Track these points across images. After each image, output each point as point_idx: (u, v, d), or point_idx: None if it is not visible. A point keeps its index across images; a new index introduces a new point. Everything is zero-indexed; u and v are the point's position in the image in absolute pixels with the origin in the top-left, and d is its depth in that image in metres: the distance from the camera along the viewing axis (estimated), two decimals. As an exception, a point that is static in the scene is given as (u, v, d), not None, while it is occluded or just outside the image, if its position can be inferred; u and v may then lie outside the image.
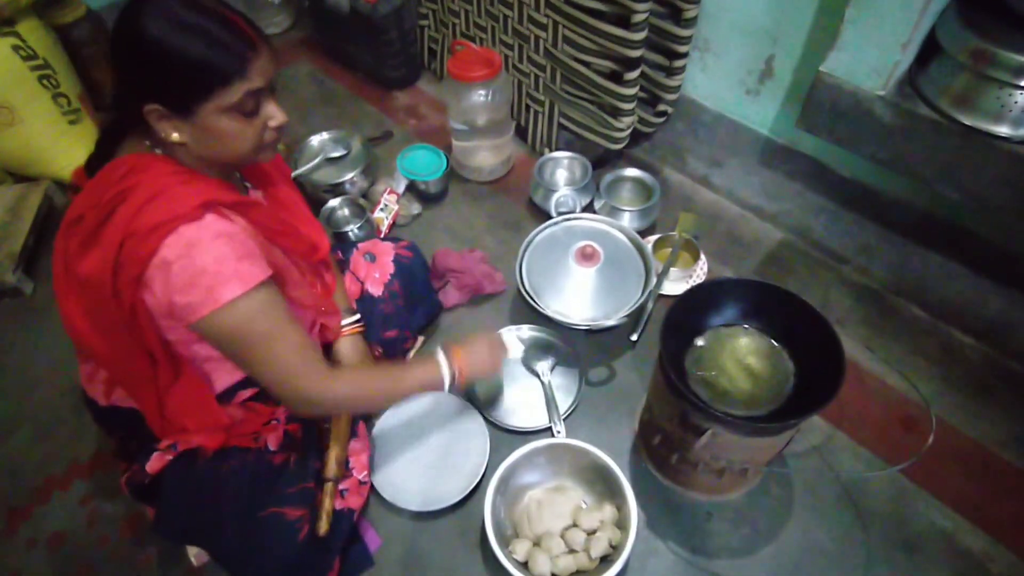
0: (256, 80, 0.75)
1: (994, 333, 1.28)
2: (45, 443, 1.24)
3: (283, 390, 0.83)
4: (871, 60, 1.00)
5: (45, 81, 1.59)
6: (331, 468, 1.00)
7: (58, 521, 1.14)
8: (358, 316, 1.12)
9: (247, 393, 0.94)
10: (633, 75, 1.35)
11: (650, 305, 1.34)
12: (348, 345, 1.09)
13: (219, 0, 0.75)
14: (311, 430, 1.02)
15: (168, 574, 1.07)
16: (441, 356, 0.97)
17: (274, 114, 0.80)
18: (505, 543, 0.98)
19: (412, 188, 1.61)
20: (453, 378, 0.97)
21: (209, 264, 0.73)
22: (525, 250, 1.33)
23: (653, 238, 1.45)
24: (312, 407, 0.88)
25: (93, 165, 0.82)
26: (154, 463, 0.91)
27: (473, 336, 1.04)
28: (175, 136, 0.76)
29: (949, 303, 1.31)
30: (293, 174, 1.54)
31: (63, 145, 1.65)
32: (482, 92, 1.49)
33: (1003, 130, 0.93)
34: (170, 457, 0.91)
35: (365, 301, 1.15)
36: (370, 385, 0.94)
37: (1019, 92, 0.89)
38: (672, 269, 1.38)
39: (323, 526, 0.94)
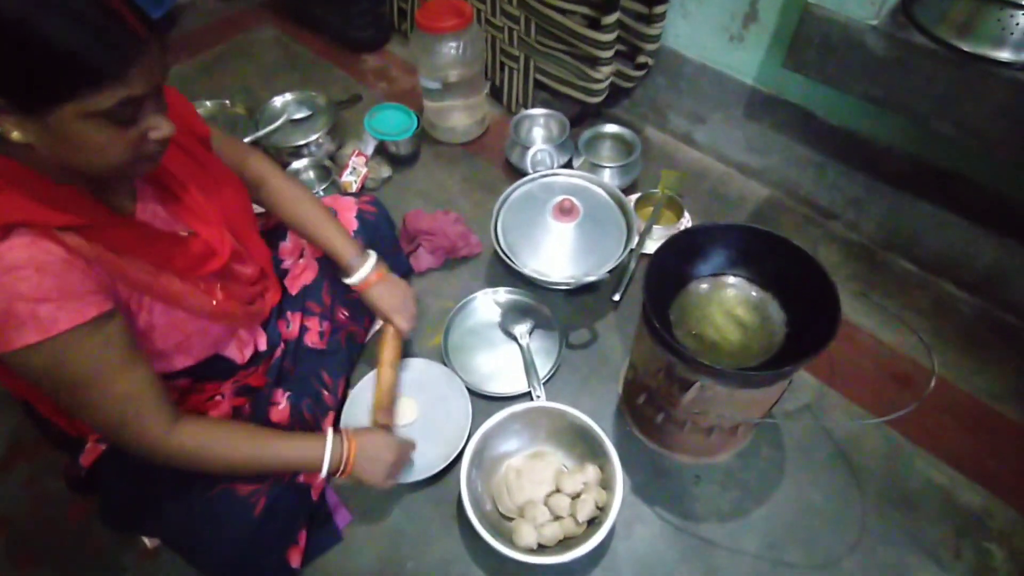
0: (137, 86, 0.59)
1: (987, 285, 1.24)
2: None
3: (110, 437, 0.73)
4: (862, -13, 0.94)
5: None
6: (380, 415, 0.99)
7: (1, 505, 1.06)
8: (373, 259, 1.02)
9: (183, 382, 0.86)
10: (611, 19, 1.28)
11: (632, 264, 1.28)
12: (377, 294, 1.02)
13: None
14: (262, 404, 0.94)
15: (121, 558, 1.00)
16: (330, 436, 0.86)
17: (158, 124, 0.64)
18: (485, 517, 0.92)
19: (382, 150, 1.53)
20: (336, 468, 0.86)
21: None
22: (500, 208, 1.25)
23: (635, 196, 1.38)
24: (148, 458, 0.74)
25: None
26: (87, 455, 0.84)
27: (383, 433, 0.94)
28: (15, 135, 0.59)
29: (941, 256, 1.27)
30: (250, 138, 1.46)
31: None
32: (453, 44, 1.41)
33: (1004, 55, 0.87)
34: (103, 447, 0.83)
35: (326, 259, 1.07)
36: (226, 446, 0.79)
37: (1021, 13, 0.84)
38: (655, 227, 1.32)
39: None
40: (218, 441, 0.79)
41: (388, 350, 1.06)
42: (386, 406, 1.02)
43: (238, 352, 0.91)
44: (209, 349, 0.85)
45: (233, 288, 0.86)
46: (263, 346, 0.96)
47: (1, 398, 1.18)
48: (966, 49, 0.89)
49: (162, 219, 0.78)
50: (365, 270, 1.01)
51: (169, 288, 0.75)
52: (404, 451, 0.96)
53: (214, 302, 0.81)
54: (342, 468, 0.87)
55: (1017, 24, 0.85)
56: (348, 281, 1.02)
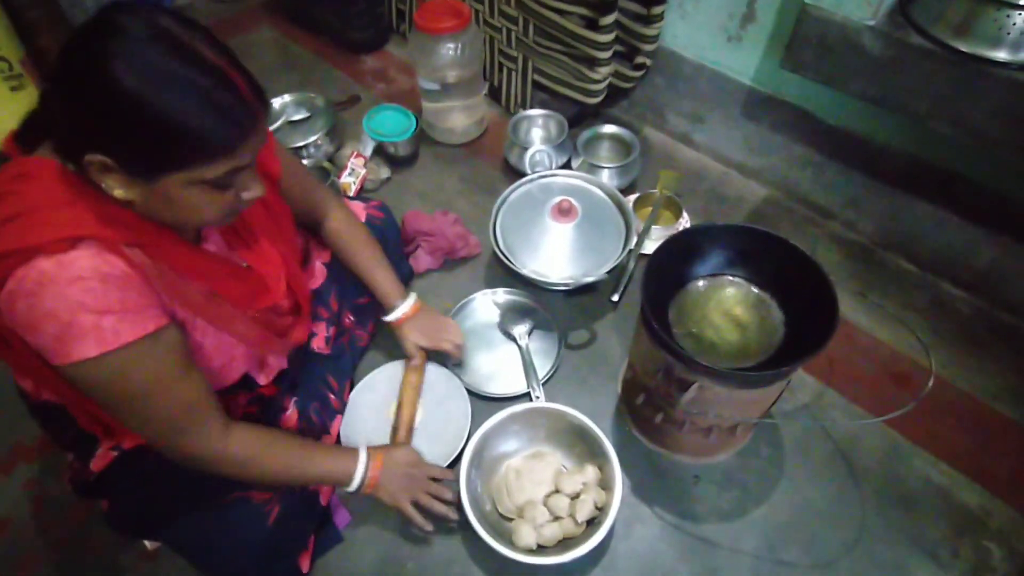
0: (245, 157, 0.62)
1: (985, 284, 1.24)
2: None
3: (162, 446, 0.74)
4: (860, -12, 0.94)
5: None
6: (400, 434, 1.02)
7: (0, 507, 1.06)
8: (413, 297, 1.07)
9: None
10: (609, 19, 1.28)
11: (631, 264, 1.28)
12: (413, 326, 1.06)
13: (218, 47, 0.59)
14: (273, 411, 0.95)
15: (121, 560, 1.00)
16: (363, 454, 0.89)
17: (250, 186, 0.67)
18: (485, 518, 0.92)
19: (380, 151, 1.53)
20: (362, 484, 0.88)
21: (60, 310, 0.59)
22: (499, 209, 1.26)
23: (633, 197, 1.38)
24: (198, 466, 0.76)
25: (26, 138, 0.66)
26: (99, 460, 0.83)
27: (404, 449, 0.95)
28: (118, 193, 0.60)
29: (939, 255, 1.27)
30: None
31: (4, 112, 1.55)
32: (451, 45, 1.41)
33: (1001, 55, 0.87)
34: (116, 454, 0.83)
35: (333, 264, 1.08)
36: (272, 455, 0.81)
37: (1017, 13, 0.84)
38: (654, 227, 1.32)
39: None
40: (269, 450, 0.80)
41: (412, 373, 1.09)
42: (408, 428, 1.04)
43: (263, 376, 0.91)
44: (244, 369, 0.86)
45: (268, 318, 0.87)
46: (284, 365, 0.96)
47: (1, 400, 1.18)
48: (963, 49, 0.89)
49: (223, 252, 0.80)
50: (404, 307, 1.05)
51: (220, 312, 0.76)
52: (423, 468, 0.95)
53: (256, 330, 0.83)
54: (367, 483, 0.88)
55: (1014, 24, 0.85)
56: (387, 319, 1.06)
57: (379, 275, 1.04)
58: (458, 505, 0.93)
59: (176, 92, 0.55)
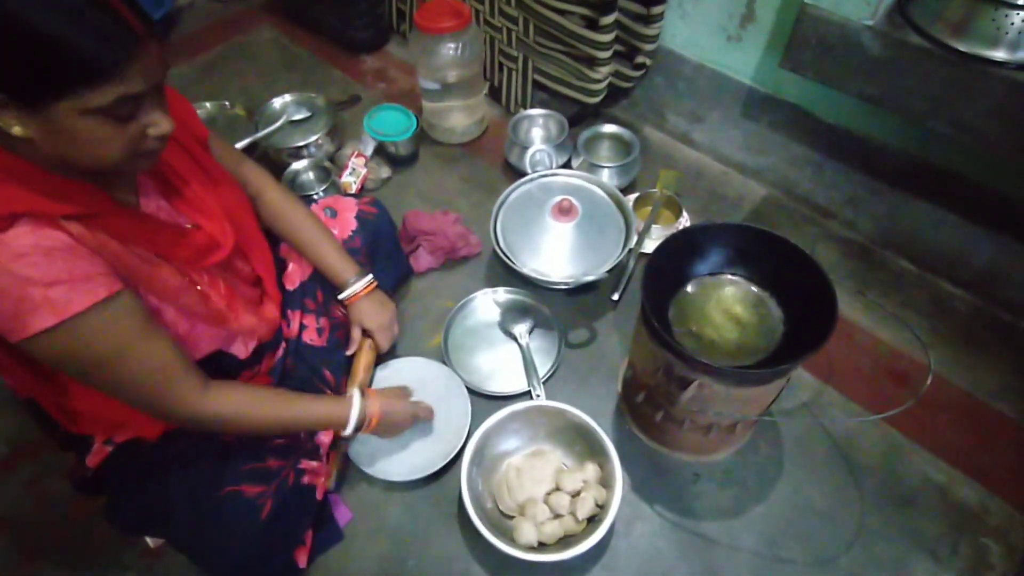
0: (135, 83, 0.60)
1: (984, 283, 1.24)
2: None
3: (147, 410, 0.75)
4: (859, -13, 0.94)
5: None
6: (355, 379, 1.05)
7: (2, 505, 1.06)
8: (369, 277, 1.06)
9: None
10: (609, 19, 1.28)
11: (631, 263, 1.29)
12: (363, 308, 1.06)
13: None
14: None
15: (123, 557, 1.00)
16: (356, 394, 0.92)
17: (157, 121, 0.65)
18: (486, 516, 0.93)
19: (381, 151, 1.54)
20: (361, 423, 0.90)
21: (10, 287, 0.59)
22: (499, 208, 1.26)
23: (633, 196, 1.39)
24: (186, 424, 0.78)
25: None
26: (94, 456, 0.84)
27: (404, 393, 1.03)
28: (16, 129, 0.59)
29: (938, 254, 1.27)
30: (250, 139, 1.46)
31: None
32: (451, 45, 1.41)
33: (999, 55, 0.88)
34: (110, 449, 0.84)
35: None
36: (257, 408, 0.82)
37: (1016, 12, 0.84)
38: (653, 226, 1.33)
39: (329, 484, 0.98)
40: (252, 403, 0.82)
41: (365, 356, 1.09)
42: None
43: (242, 346, 0.91)
44: (212, 345, 0.85)
45: (234, 284, 0.87)
46: (268, 337, 0.96)
47: (3, 399, 1.18)
48: (962, 49, 0.90)
49: (166, 212, 0.79)
50: (358, 286, 1.05)
51: (167, 283, 0.75)
52: (409, 397, 1.02)
53: (215, 299, 0.82)
54: (367, 422, 0.92)
55: (1012, 24, 0.85)
56: (340, 296, 1.06)
57: (326, 251, 1.03)
58: (459, 500, 0.93)
59: (47, 11, 0.55)
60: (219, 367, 0.89)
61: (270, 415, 0.84)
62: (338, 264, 1.03)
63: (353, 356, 1.09)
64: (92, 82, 0.58)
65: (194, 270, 0.80)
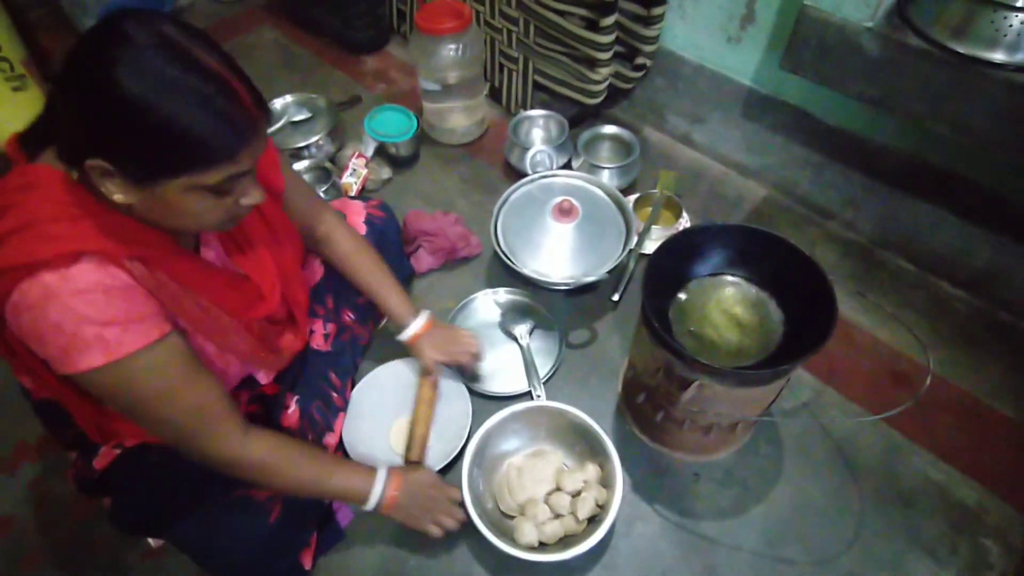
0: (244, 163, 0.62)
1: (983, 284, 1.25)
2: (-11, 425, 1.16)
3: (187, 450, 0.75)
4: (858, -11, 0.95)
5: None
6: (414, 452, 1.01)
7: (4, 505, 1.07)
8: (427, 315, 1.06)
9: None
10: (609, 21, 1.28)
11: (631, 264, 1.29)
12: (428, 344, 1.05)
13: (220, 55, 0.60)
14: (275, 409, 0.96)
15: (124, 558, 1.01)
16: (382, 474, 0.89)
17: (249, 192, 0.67)
18: (487, 516, 0.93)
19: (382, 152, 1.54)
20: (379, 503, 0.88)
21: (65, 323, 0.60)
22: (500, 209, 1.26)
23: (633, 197, 1.39)
24: (217, 469, 0.77)
25: (30, 143, 0.67)
26: (102, 459, 0.84)
27: (422, 471, 0.95)
28: (117, 197, 0.61)
29: (937, 255, 1.28)
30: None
31: (6, 113, 1.55)
32: (452, 46, 1.41)
33: (998, 56, 0.88)
34: (118, 452, 0.84)
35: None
36: (291, 465, 0.81)
37: (1014, 15, 0.85)
38: (653, 227, 1.33)
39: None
40: (289, 460, 0.81)
41: (427, 389, 1.08)
42: (422, 445, 1.04)
43: (264, 376, 0.93)
44: (241, 375, 0.88)
45: (267, 328, 0.88)
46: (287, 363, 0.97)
47: (5, 399, 1.18)
48: (960, 51, 0.90)
49: (221, 260, 0.81)
50: (415, 326, 1.04)
51: (216, 324, 0.77)
52: (443, 491, 0.94)
53: (251, 339, 0.83)
54: (384, 503, 0.88)
55: (1011, 26, 0.86)
56: (400, 338, 1.05)
57: (388, 294, 1.04)
58: (464, 508, 0.93)
59: (177, 99, 0.56)
60: (240, 386, 0.90)
61: (305, 476, 0.82)
62: (399, 307, 1.04)
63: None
64: (208, 165, 0.60)
65: (236, 318, 0.80)
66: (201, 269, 0.76)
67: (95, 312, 0.61)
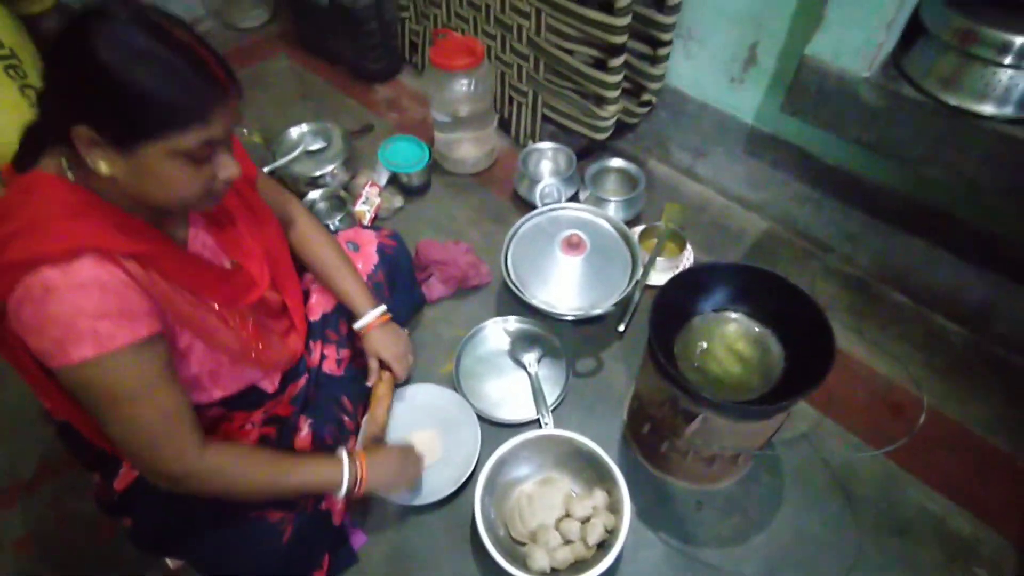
0: (217, 128, 0.67)
1: (978, 318, 1.28)
2: (12, 444, 1.19)
3: (138, 459, 0.76)
4: (855, 41, 1.00)
5: (11, 71, 1.53)
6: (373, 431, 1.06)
7: (26, 524, 1.09)
8: (383, 308, 1.08)
9: (216, 411, 0.90)
10: (618, 62, 1.34)
11: (637, 295, 1.33)
12: (378, 338, 1.07)
13: (192, 33, 0.66)
14: (287, 431, 0.99)
15: (143, 576, 1.03)
16: (344, 456, 0.91)
17: (227, 165, 0.72)
18: (499, 542, 0.96)
19: (394, 181, 1.59)
20: (353, 484, 0.90)
21: (62, 315, 0.64)
22: (510, 240, 1.30)
23: (639, 229, 1.43)
24: (172, 483, 0.76)
25: (22, 162, 0.71)
26: (121, 480, 0.87)
27: (385, 446, 1.03)
28: (103, 168, 0.65)
29: (933, 290, 1.32)
30: (268, 168, 1.51)
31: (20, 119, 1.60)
32: (464, 82, 1.47)
33: (987, 109, 0.93)
34: (137, 473, 0.87)
35: None
36: (249, 470, 0.82)
37: (1003, 70, 0.90)
38: (658, 259, 1.37)
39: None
40: (244, 465, 0.82)
41: (381, 386, 1.11)
42: (382, 425, 1.10)
43: (268, 382, 0.95)
44: (241, 382, 0.90)
45: (263, 320, 0.91)
46: (289, 366, 1.00)
47: (29, 419, 1.22)
48: (952, 103, 0.95)
49: (210, 249, 0.85)
50: (371, 316, 1.06)
51: (205, 321, 0.80)
52: (409, 456, 1.02)
53: (243, 336, 0.86)
54: (357, 485, 0.91)
55: (999, 81, 0.91)
56: (355, 326, 1.08)
57: (343, 279, 1.06)
58: (471, 527, 0.96)
59: (150, 63, 0.61)
60: (248, 401, 0.93)
61: (262, 479, 0.83)
62: (356, 295, 1.06)
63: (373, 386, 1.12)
64: (182, 127, 0.64)
65: (228, 309, 0.84)
66: (191, 265, 0.80)
67: (91, 305, 0.65)
